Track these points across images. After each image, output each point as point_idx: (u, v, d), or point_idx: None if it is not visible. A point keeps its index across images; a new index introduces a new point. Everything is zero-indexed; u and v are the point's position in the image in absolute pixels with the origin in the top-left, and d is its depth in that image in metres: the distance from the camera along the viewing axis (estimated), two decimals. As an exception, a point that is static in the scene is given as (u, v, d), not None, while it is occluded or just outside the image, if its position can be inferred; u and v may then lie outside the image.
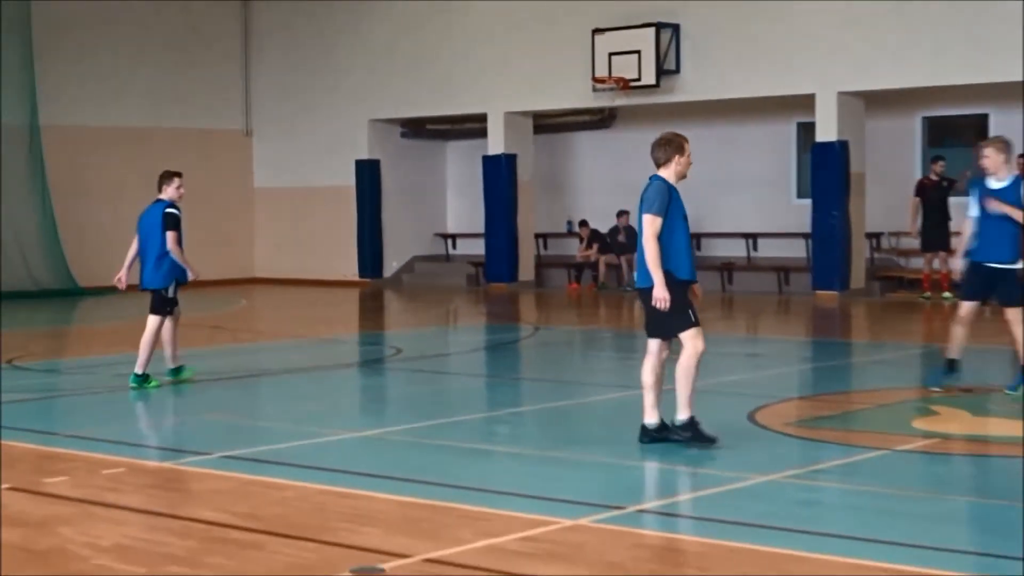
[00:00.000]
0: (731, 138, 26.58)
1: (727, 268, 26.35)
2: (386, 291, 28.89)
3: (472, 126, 28.95)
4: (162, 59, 29.89)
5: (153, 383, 13.59)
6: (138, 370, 13.57)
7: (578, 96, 26.66)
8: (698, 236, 27.21)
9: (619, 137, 28.51)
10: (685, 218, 9.98)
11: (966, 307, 12.50)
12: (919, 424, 11.02)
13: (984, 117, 24.45)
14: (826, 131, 23.97)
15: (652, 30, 25.12)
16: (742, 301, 24.34)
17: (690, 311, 9.84)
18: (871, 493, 8.54)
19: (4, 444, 10.31)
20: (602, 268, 27.62)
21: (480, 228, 28.83)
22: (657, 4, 25.37)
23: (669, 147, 9.98)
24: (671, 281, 9.70)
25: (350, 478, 9.02)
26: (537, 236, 29.04)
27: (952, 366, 12.47)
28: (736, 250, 26.71)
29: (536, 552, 7.02)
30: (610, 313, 23.59)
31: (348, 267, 30.10)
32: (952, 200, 22.10)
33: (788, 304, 24.00)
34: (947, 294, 22.20)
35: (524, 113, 28.01)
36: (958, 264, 12.76)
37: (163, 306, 13.90)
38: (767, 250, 26.56)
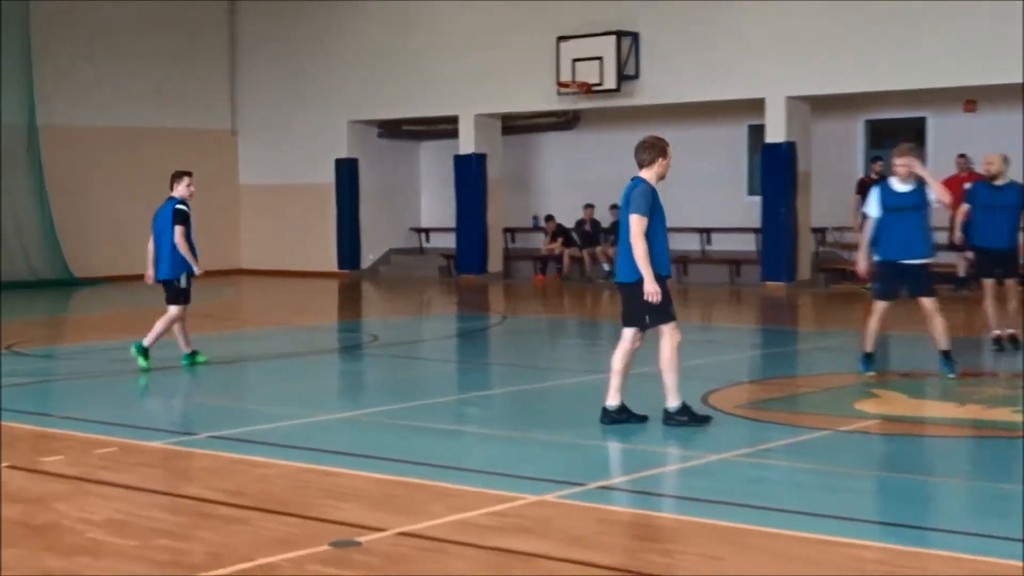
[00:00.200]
0: (687, 139, 26.52)
1: (683, 261, 26.38)
2: (364, 282, 28.84)
3: (444, 127, 28.93)
4: (154, 63, 29.75)
5: (145, 363, 13.57)
6: (145, 342, 13.71)
7: (544, 99, 26.66)
8: (656, 231, 27.29)
9: (582, 138, 28.55)
10: (664, 218, 9.98)
11: (881, 305, 12.54)
12: (861, 406, 11.06)
13: (922, 120, 24.57)
14: (775, 133, 24.05)
15: (613, 38, 25.15)
16: (697, 292, 24.41)
17: (669, 306, 9.88)
18: (816, 471, 8.57)
19: (4, 425, 10.27)
20: (566, 261, 27.66)
21: (452, 223, 28.82)
22: (618, 14, 25.42)
23: (653, 150, 9.97)
24: (659, 274, 9.77)
25: (330, 457, 9.01)
26: (505, 230, 29.04)
27: (869, 358, 12.53)
28: (691, 244, 26.76)
29: (504, 526, 7.03)
30: (574, 303, 23.62)
31: (328, 259, 30.11)
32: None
33: (739, 294, 24.06)
34: (868, 285, 22.27)
35: (493, 115, 28.00)
36: (862, 263, 12.77)
37: (177, 296, 13.96)
38: (720, 244, 26.63)
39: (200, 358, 14.01)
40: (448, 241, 29.58)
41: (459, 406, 11.97)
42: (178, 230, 13.80)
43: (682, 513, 7.45)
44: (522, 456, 9.16)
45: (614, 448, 9.39)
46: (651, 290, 9.66)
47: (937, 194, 12.43)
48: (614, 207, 26.92)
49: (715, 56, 24.36)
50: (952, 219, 17.73)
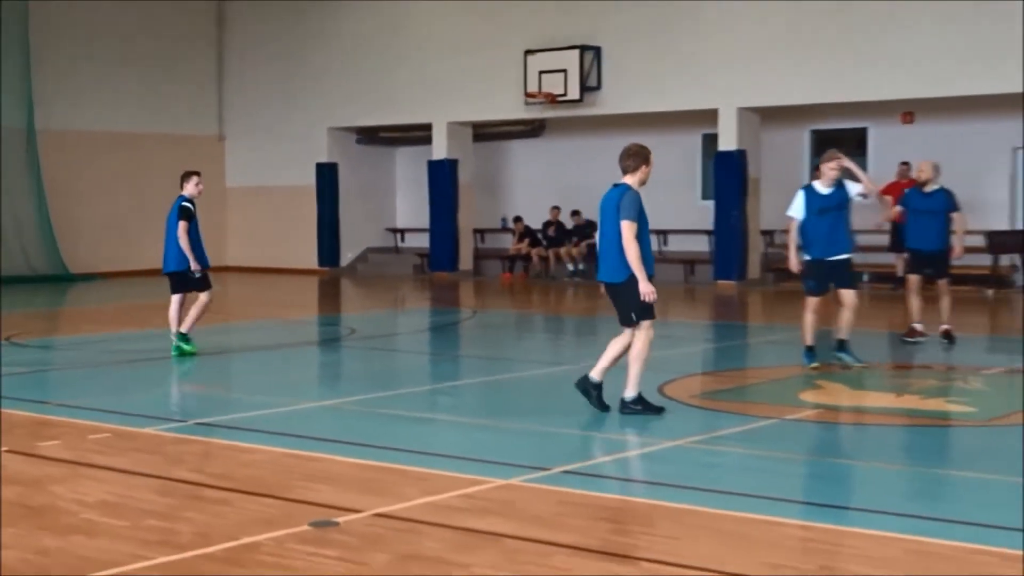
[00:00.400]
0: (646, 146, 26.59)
1: (641, 260, 26.39)
2: (342, 279, 28.79)
3: (419, 134, 28.90)
4: (146, 72, 29.67)
5: (191, 347, 13.92)
6: (182, 329, 13.94)
7: (512, 109, 26.68)
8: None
9: (548, 145, 28.57)
10: (647, 222, 10.01)
11: (815, 301, 12.63)
12: (805, 396, 11.12)
13: (863, 130, 24.70)
14: (727, 141, 24.12)
15: (577, 52, 25.19)
16: (655, 288, 24.40)
17: (653, 305, 9.95)
18: (764, 456, 8.60)
19: (3, 412, 10.22)
20: (533, 260, 27.67)
21: (425, 223, 28.78)
22: (581, 29, 25.46)
23: (637, 158, 10.03)
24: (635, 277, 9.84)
25: (310, 443, 8.99)
26: (476, 231, 29.02)
27: (811, 351, 12.61)
28: (652, 243, 26.73)
29: (472, 507, 7.03)
30: (539, 299, 23.63)
31: (309, 257, 30.06)
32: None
33: (693, 292, 24.11)
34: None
35: (465, 123, 27.99)
36: (795, 262, 12.83)
37: (197, 284, 14.12)
38: (676, 245, 26.68)
39: (189, 348, 13.96)
40: (422, 241, 29.55)
41: (432, 395, 11.97)
42: (181, 226, 13.93)
43: (639, 496, 7.48)
44: (490, 442, 9.17)
45: (576, 435, 9.41)
46: (647, 290, 9.77)
47: (863, 185, 12.76)
48: (575, 213, 27.06)
49: (672, 69, 24.44)
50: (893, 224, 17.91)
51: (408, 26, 28.24)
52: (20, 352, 14.69)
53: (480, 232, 29.38)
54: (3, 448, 8.70)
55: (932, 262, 14.83)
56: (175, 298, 14.03)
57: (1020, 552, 5.99)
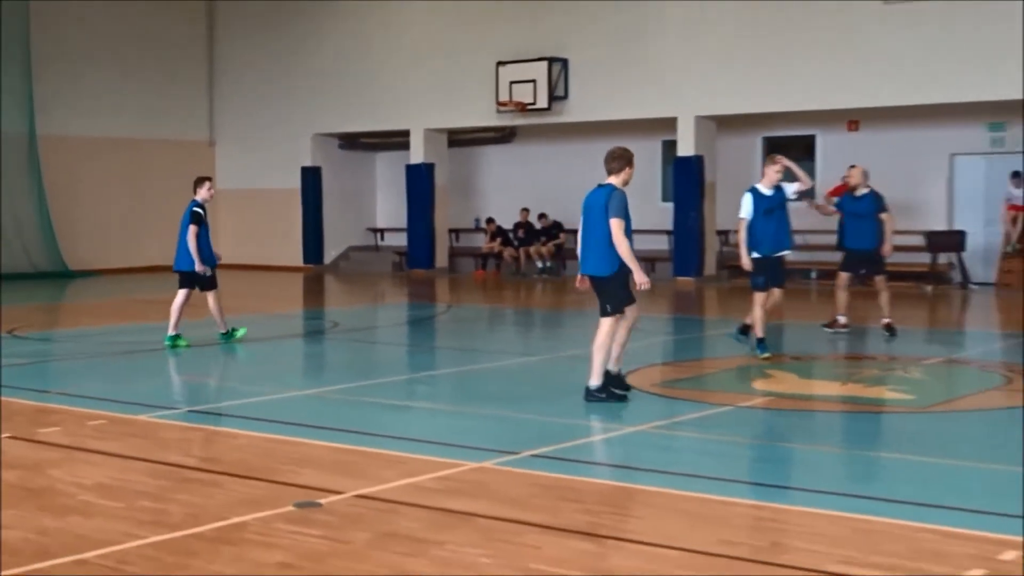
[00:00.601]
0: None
1: (605, 258, 26.42)
2: (326, 275, 28.72)
3: (397, 140, 28.84)
4: (141, 81, 29.61)
5: (241, 331, 14.28)
6: (221, 330, 14.25)
7: (485, 116, 26.66)
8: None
9: (518, 150, 28.57)
10: (631, 221, 10.01)
11: (762, 296, 12.69)
12: (757, 385, 11.15)
13: (811, 137, 24.78)
14: (685, 147, 24.17)
15: (545, 63, 25.20)
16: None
17: (628, 300, 9.96)
18: (719, 441, 8.62)
19: (5, 400, 10.15)
20: (505, 258, 27.66)
21: (404, 224, 28.76)
22: (550, 42, 25.47)
23: (621, 160, 10.01)
24: (621, 271, 9.86)
25: (294, 429, 8.96)
26: (451, 231, 29.00)
27: (763, 343, 12.65)
28: (612, 243, 26.77)
29: (447, 489, 7.01)
30: (510, 294, 23.62)
31: (294, 255, 30.00)
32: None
33: (654, 288, 24.01)
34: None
35: (440, 130, 27.96)
36: (745, 261, 12.88)
37: (201, 283, 14.16)
38: (637, 244, 25.86)
39: (182, 342, 13.91)
40: (400, 240, 29.51)
41: (409, 384, 11.93)
42: (191, 229, 14.03)
43: (603, 478, 7.47)
44: (464, 428, 9.15)
45: (545, 421, 9.39)
46: (642, 279, 9.79)
47: (799, 182, 13.11)
48: (542, 216, 27.10)
49: (634, 80, 24.47)
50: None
51: (387, 40, 28.22)
52: (21, 344, 14.59)
53: (455, 232, 29.35)
54: (5, 434, 8.64)
55: (866, 261, 14.96)
56: (181, 293, 14.08)
57: (959, 529, 6.02)
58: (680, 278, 24.26)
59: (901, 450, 8.24)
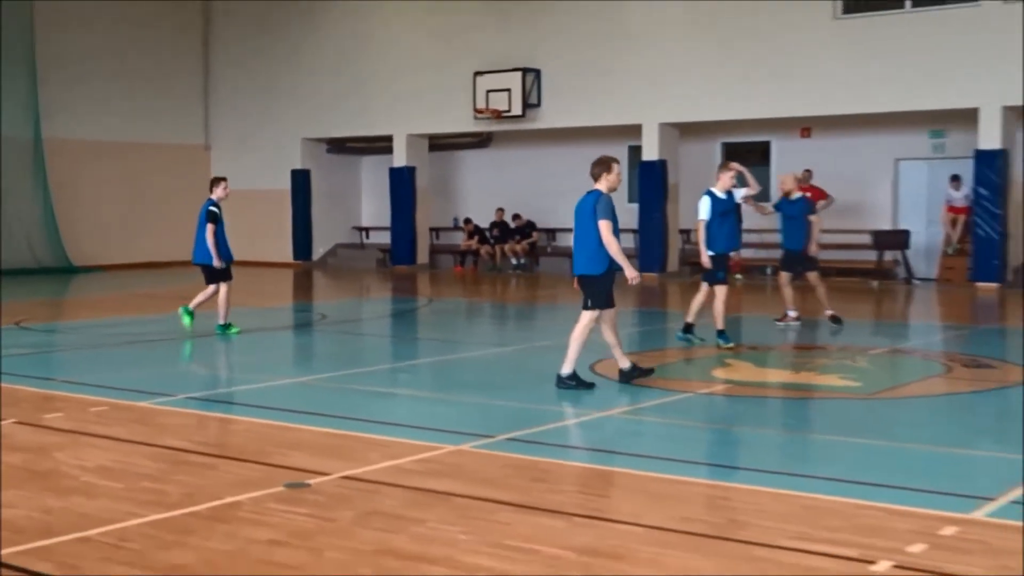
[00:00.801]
0: (579, 156, 26.51)
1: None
2: (314, 271, 28.63)
3: (382, 144, 28.79)
4: (140, 88, 29.46)
5: (234, 330, 14.16)
6: (220, 321, 14.21)
7: (463, 123, 26.64)
8: (554, 231, 27.38)
9: (494, 155, 28.56)
10: (617, 222, 10.04)
11: (724, 289, 12.86)
12: (717, 373, 11.18)
13: (767, 143, 24.85)
14: (650, 152, 24.21)
15: (519, 73, 25.20)
16: (586, 280, 24.47)
17: (609, 297, 9.98)
18: (681, 425, 8.65)
19: (11, 388, 10.09)
20: (482, 255, 27.65)
21: (387, 223, 28.69)
22: (524, 53, 25.47)
23: (600, 166, 10.07)
24: (609, 272, 9.92)
25: (285, 414, 8.94)
26: (431, 229, 28.95)
27: (723, 333, 12.74)
28: (582, 241, 26.80)
29: (427, 470, 7.01)
30: (486, 289, 23.61)
31: (284, 252, 29.93)
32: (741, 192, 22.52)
33: (621, 284, 24.12)
34: (739, 276, 22.59)
35: (422, 135, 27.93)
36: (705, 258, 12.97)
37: (223, 276, 14.32)
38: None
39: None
40: (384, 238, 29.46)
41: (393, 373, 11.93)
42: (209, 227, 14.27)
43: (573, 460, 7.49)
44: (443, 413, 9.15)
45: (518, 407, 9.40)
46: (633, 274, 9.86)
47: (749, 185, 13.42)
48: (516, 216, 27.11)
49: (602, 90, 24.50)
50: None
51: (372, 50, 28.17)
52: (27, 335, 14.50)
53: (435, 230, 29.30)
54: (11, 420, 8.59)
55: (799, 259, 15.08)
56: (223, 286, 14.30)
57: (902, 507, 6.06)
58: (645, 274, 24.21)
59: (848, 433, 8.29)
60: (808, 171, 22.42)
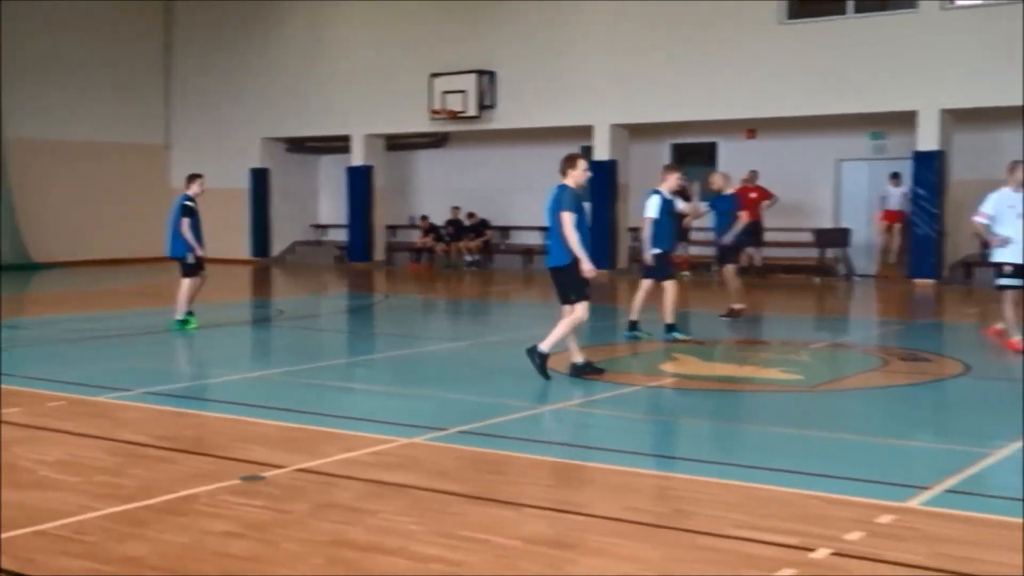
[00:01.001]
0: (532, 156, 26.69)
1: (527, 252, 26.48)
2: (273, 268, 28.45)
3: (339, 144, 28.66)
4: (102, 89, 29.23)
5: (192, 324, 13.98)
6: (177, 316, 14.03)
7: (420, 123, 26.57)
8: (507, 229, 27.37)
9: (450, 155, 28.50)
10: (584, 216, 10.02)
11: (673, 284, 12.95)
12: (664, 367, 11.21)
13: (714, 144, 24.98)
14: (601, 152, 24.25)
15: (475, 75, 25.18)
16: (539, 277, 24.49)
17: (587, 287, 10.00)
18: (629, 418, 8.67)
19: (-30, 383, 9.93)
20: (437, 252, 27.59)
21: (345, 220, 28.59)
22: (480, 56, 25.44)
23: (565, 163, 10.22)
24: (575, 261, 9.87)
25: (241, 408, 8.87)
26: (388, 227, 28.85)
27: (674, 327, 12.79)
28: (535, 239, 26.86)
29: (382, 463, 6.98)
30: (441, 285, 23.56)
31: (243, 249, 29.73)
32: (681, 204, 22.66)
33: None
34: (685, 272, 22.68)
35: (379, 135, 27.83)
36: (648, 255, 13.04)
37: (187, 270, 14.21)
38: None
39: (191, 323, 14.08)
40: (342, 235, 29.32)
41: (348, 367, 11.87)
42: (184, 221, 14.12)
43: (525, 452, 7.47)
44: (397, 407, 9.10)
45: (471, 400, 9.39)
46: (588, 268, 9.85)
47: (696, 209, 13.68)
48: (471, 215, 27.08)
49: (555, 92, 24.53)
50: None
51: (331, 52, 28.06)
52: (-12, 331, 14.28)
53: (392, 228, 29.20)
54: (-30, 414, 8.45)
55: (724, 252, 15.24)
56: (189, 281, 14.18)
57: (841, 496, 6.10)
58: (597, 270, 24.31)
59: (791, 425, 8.34)
60: (753, 172, 22.56)
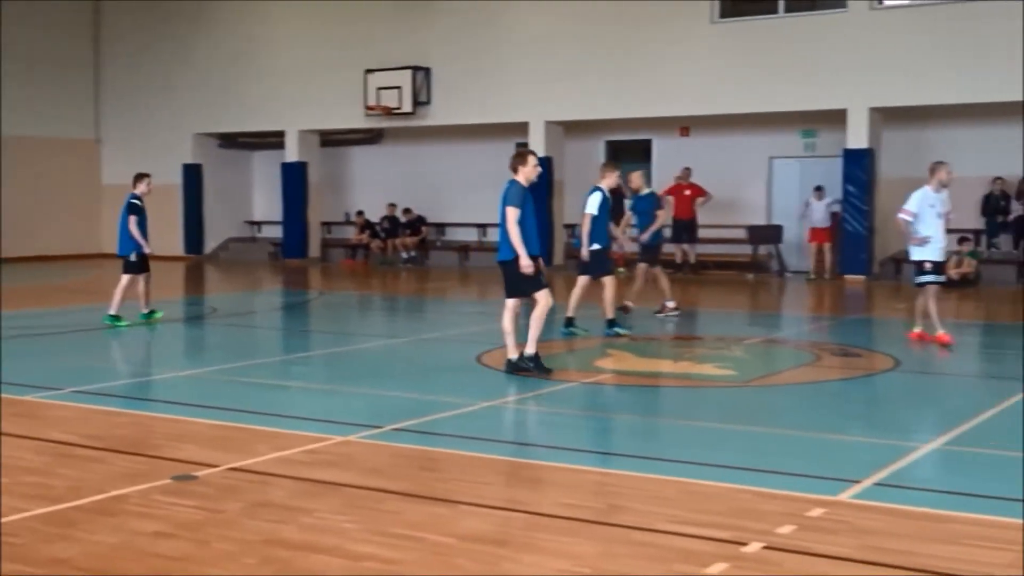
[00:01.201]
0: (467, 152, 26.70)
1: (464, 249, 26.46)
2: (206, 264, 28.15)
3: (273, 140, 28.44)
4: (31, 84, 28.84)
5: (123, 323, 13.86)
6: (111, 311, 13.94)
7: (354, 119, 26.45)
8: (443, 225, 27.32)
9: (385, 151, 28.38)
10: (533, 210, 9.98)
11: (609, 279, 13.00)
12: (599, 363, 11.24)
13: (648, 141, 25.12)
14: (536, 149, 24.23)
15: (410, 71, 25.12)
16: (475, 274, 24.51)
17: (540, 277, 9.98)
18: (564, 414, 8.68)
19: None
20: (372, 248, 27.47)
21: (279, 217, 28.38)
22: (414, 52, 25.37)
23: (515, 159, 10.27)
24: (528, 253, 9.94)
25: (173, 407, 8.75)
26: (323, 224, 28.70)
27: (614, 322, 12.88)
28: (471, 236, 26.86)
29: (316, 461, 6.92)
30: (376, 282, 23.45)
31: (176, 246, 29.37)
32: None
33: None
34: (621, 269, 22.77)
35: (313, 131, 27.67)
36: (585, 252, 13.10)
37: (128, 267, 14.18)
38: (493, 236, 26.68)
39: (157, 314, 14.21)
40: (276, 231, 29.07)
41: (282, 365, 11.76)
42: (131, 219, 14.11)
43: (459, 449, 7.45)
44: (332, 405, 9.04)
45: (406, 398, 9.34)
46: (525, 264, 9.88)
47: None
48: (407, 210, 27.01)
49: (490, 88, 24.53)
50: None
51: (265, 47, 27.83)
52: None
53: (327, 224, 29.04)
54: None
55: (645, 251, 15.32)
56: (129, 278, 14.14)
57: (773, 490, 6.15)
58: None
59: (724, 420, 8.41)
60: (687, 169, 22.74)
